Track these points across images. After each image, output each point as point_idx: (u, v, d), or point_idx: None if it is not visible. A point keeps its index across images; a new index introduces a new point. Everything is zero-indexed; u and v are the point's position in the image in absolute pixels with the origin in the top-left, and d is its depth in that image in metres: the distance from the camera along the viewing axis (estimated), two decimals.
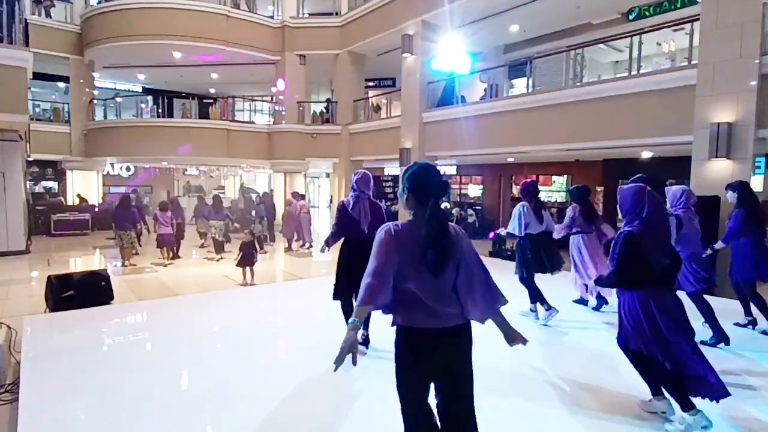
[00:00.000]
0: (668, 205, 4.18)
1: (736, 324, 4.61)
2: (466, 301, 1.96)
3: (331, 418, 2.88)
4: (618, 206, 2.87)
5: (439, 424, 2.01)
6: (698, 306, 4.09)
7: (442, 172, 2.10)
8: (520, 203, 4.76)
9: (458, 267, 1.96)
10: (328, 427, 2.79)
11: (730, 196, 4.69)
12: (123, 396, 3.12)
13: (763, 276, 4.46)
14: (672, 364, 2.64)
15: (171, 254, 10.00)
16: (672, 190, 4.29)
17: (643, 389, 2.94)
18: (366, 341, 3.87)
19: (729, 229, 4.58)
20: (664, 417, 2.82)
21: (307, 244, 12.02)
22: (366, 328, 3.88)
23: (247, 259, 7.73)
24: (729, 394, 2.62)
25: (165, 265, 9.40)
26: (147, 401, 3.07)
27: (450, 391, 1.98)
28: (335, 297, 3.91)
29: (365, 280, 1.88)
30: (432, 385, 2.01)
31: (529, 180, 5.02)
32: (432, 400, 2.03)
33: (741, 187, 4.61)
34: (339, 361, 1.74)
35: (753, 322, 4.61)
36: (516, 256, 4.89)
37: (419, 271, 1.90)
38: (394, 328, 2.01)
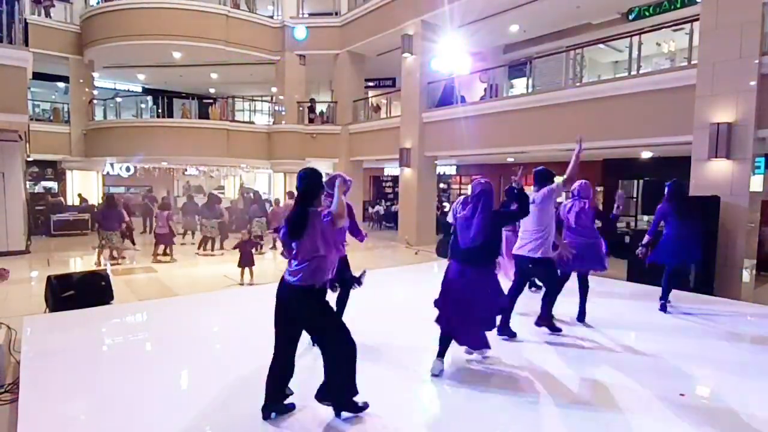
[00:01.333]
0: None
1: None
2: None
3: (331, 417, 2.87)
4: None
5: None
6: (579, 283, 4.73)
7: (312, 177, 2.79)
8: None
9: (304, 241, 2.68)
10: (328, 425, 2.78)
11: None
12: (123, 396, 3.12)
13: (688, 260, 5.24)
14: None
15: (167, 252, 10.05)
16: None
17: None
18: None
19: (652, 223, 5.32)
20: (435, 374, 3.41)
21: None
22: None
23: (246, 259, 7.73)
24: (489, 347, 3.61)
25: (156, 260, 9.46)
26: (147, 401, 3.06)
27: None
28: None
29: None
30: None
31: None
32: None
33: (671, 186, 5.26)
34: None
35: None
36: None
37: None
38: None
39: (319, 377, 2.80)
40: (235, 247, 7.81)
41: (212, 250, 11.04)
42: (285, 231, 2.74)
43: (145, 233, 14.56)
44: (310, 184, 2.76)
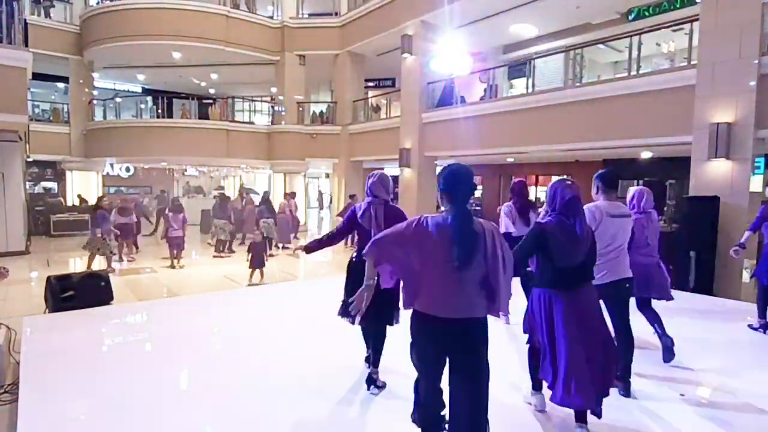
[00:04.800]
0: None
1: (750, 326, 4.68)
2: (493, 296, 2.14)
3: (330, 418, 2.88)
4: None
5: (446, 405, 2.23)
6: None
7: (473, 175, 2.21)
8: (506, 203, 4.76)
9: (485, 263, 2.10)
10: (327, 427, 2.79)
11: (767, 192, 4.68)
12: (123, 396, 3.12)
13: None
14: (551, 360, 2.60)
15: (178, 255, 9.74)
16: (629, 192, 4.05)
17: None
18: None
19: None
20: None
21: (280, 245, 12.05)
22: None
23: (258, 260, 7.74)
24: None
25: (173, 266, 9.33)
26: (147, 401, 3.06)
27: (458, 378, 2.12)
28: (339, 314, 3.33)
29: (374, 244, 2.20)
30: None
31: (518, 180, 4.95)
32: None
33: None
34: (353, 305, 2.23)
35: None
36: None
37: (444, 264, 2.07)
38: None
39: None
40: (249, 250, 7.81)
41: (224, 251, 10.93)
42: (461, 252, 2.06)
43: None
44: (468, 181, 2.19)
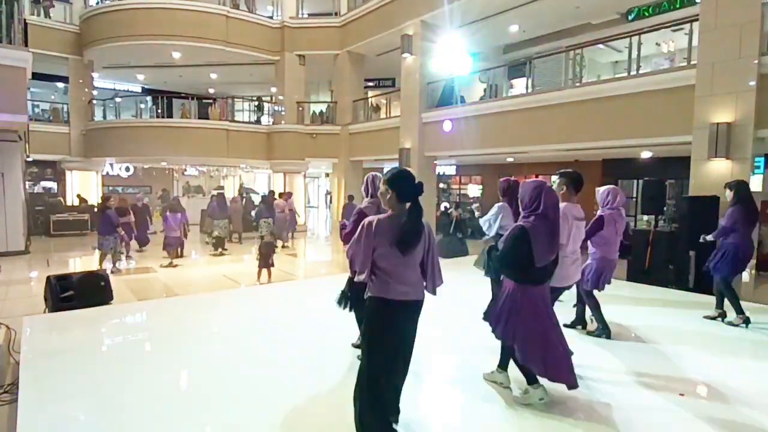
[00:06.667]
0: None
1: (706, 317, 4.93)
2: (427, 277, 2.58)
3: (330, 418, 2.87)
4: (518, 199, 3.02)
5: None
6: (588, 301, 4.31)
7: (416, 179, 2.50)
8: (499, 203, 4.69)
9: (426, 252, 2.54)
10: (327, 427, 2.79)
11: (728, 194, 4.89)
12: (122, 396, 3.12)
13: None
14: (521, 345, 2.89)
15: (178, 254, 9.88)
16: (600, 191, 4.38)
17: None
18: None
19: (722, 227, 4.86)
20: (503, 387, 3.16)
21: (280, 243, 12.05)
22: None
23: (266, 260, 7.76)
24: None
25: (172, 266, 9.32)
26: (146, 401, 3.06)
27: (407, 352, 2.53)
28: (343, 307, 3.68)
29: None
30: None
31: (510, 179, 4.81)
32: None
33: (736, 186, 4.85)
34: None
35: (723, 315, 4.88)
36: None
37: (393, 252, 2.40)
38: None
39: None
40: (260, 250, 7.83)
41: (222, 250, 10.97)
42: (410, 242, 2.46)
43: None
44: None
